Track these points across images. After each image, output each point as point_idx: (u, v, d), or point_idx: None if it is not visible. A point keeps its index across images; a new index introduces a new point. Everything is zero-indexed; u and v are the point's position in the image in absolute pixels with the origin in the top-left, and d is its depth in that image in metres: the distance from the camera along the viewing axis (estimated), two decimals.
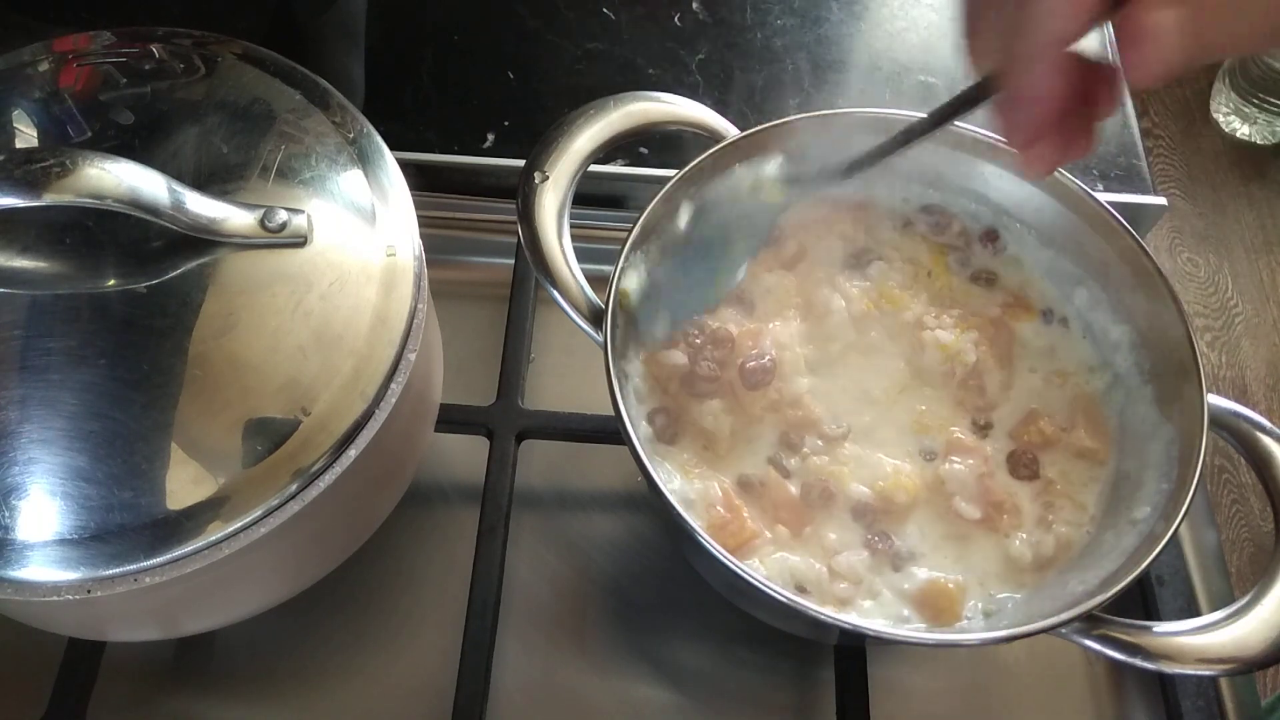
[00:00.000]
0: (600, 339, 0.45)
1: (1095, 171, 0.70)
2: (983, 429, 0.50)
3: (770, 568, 0.45)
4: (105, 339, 0.39)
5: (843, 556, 0.45)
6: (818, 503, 0.47)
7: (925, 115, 0.42)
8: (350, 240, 0.43)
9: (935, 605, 0.45)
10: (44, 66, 0.45)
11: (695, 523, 0.42)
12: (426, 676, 0.52)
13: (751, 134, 0.51)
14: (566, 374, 0.61)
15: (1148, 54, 0.30)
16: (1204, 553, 0.56)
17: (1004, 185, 0.52)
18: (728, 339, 0.50)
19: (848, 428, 0.49)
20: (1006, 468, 0.49)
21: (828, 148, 0.51)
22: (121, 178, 0.39)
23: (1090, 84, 0.33)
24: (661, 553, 0.56)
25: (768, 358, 0.49)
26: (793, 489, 0.47)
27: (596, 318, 0.46)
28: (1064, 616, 0.40)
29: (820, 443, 0.48)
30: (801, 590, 0.45)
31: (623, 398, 0.44)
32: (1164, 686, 0.53)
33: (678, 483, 0.47)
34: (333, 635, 0.53)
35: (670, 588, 0.55)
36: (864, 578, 0.45)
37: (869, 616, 0.44)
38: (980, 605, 0.45)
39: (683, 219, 0.51)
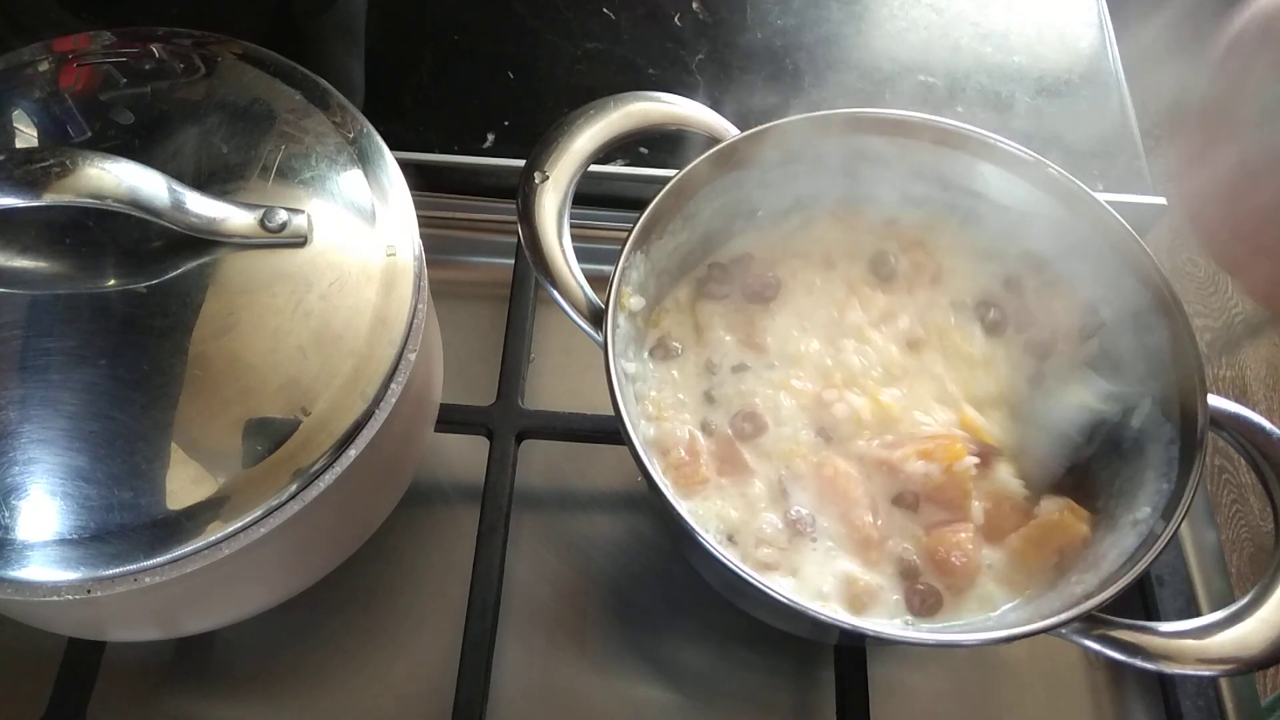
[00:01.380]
0: (600, 339, 0.45)
1: (1095, 171, 0.70)
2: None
3: (705, 512, 0.47)
4: (105, 339, 0.39)
5: (766, 522, 0.47)
6: (749, 434, 0.49)
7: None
8: (350, 240, 0.43)
9: (856, 597, 0.46)
10: (44, 66, 0.46)
11: (659, 471, 0.43)
12: (426, 676, 0.52)
13: (751, 134, 0.51)
14: (566, 374, 0.61)
15: None
16: (1204, 553, 0.57)
17: (1004, 185, 0.52)
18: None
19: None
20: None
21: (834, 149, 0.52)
22: (121, 178, 0.39)
23: None
24: (661, 553, 0.56)
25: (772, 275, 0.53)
26: (728, 430, 0.49)
27: (596, 318, 0.46)
28: (1064, 616, 0.40)
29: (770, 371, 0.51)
30: (730, 540, 0.47)
31: (623, 398, 0.44)
32: (1164, 686, 0.53)
33: (652, 431, 0.49)
34: (333, 635, 0.53)
35: (670, 588, 0.55)
36: (785, 548, 0.46)
37: (794, 587, 0.46)
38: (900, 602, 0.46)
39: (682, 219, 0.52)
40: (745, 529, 0.47)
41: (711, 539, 0.41)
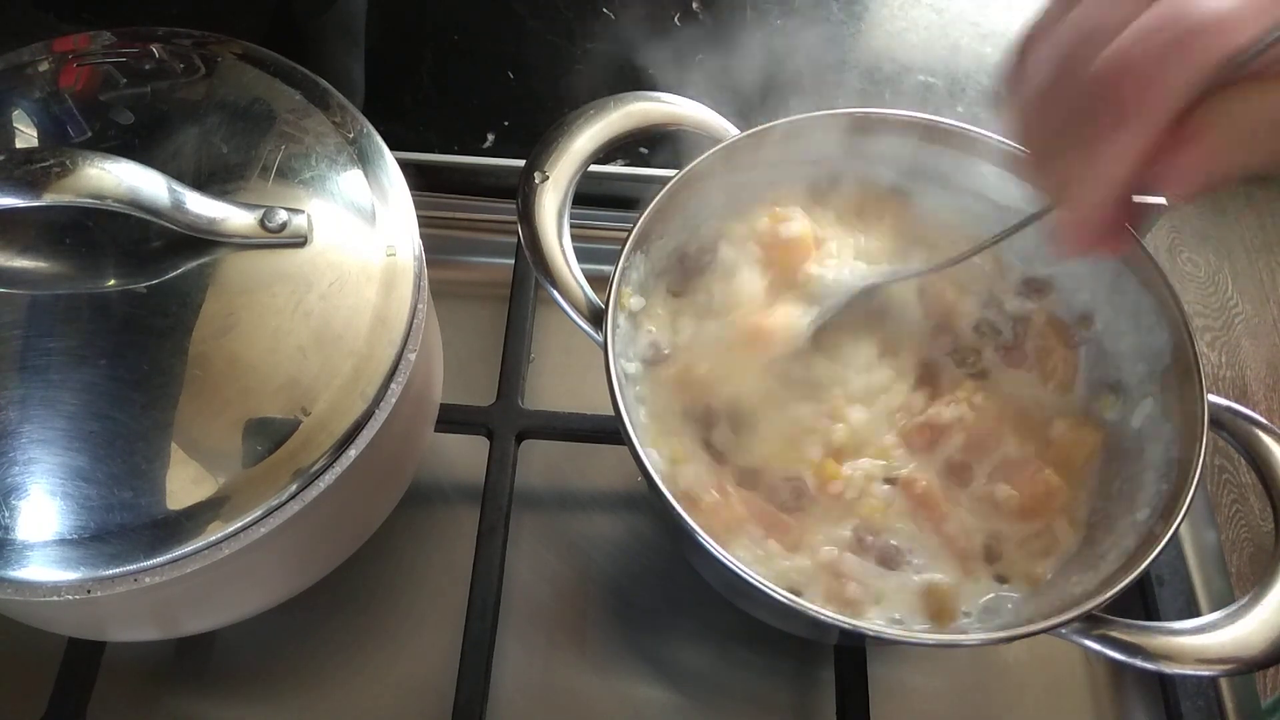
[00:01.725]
0: (600, 339, 0.45)
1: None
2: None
3: (764, 570, 0.45)
4: (105, 339, 0.39)
5: (842, 560, 0.45)
6: (792, 506, 0.46)
7: (994, 234, 0.45)
8: (350, 240, 0.43)
9: (935, 606, 0.45)
10: (44, 66, 0.46)
11: (689, 515, 0.41)
12: (426, 676, 0.52)
13: (751, 134, 0.51)
14: (566, 374, 0.61)
15: (1186, 164, 0.32)
16: (1204, 553, 0.56)
17: (1004, 185, 0.52)
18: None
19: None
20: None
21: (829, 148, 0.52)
22: (121, 178, 0.39)
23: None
24: (661, 553, 0.56)
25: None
26: (762, 499, 0.46)
27: (596, 318, 0.46)
28: (1064, 617, 0.40)
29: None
30: (796, 593, 0.44)
31: (623, 398, 0.44)
32: (1164, 686, 0.53)
33: (678, 480, 0.47)
34: (333, 635, 0.53)
35: (670, 588, 0.55)
36: (865, 581, 0.45)
37: (873, 619, 0.44)
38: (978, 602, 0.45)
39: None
40: (816, 582, 0.45)
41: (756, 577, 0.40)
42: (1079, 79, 0.33)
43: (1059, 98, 0.35)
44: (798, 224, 0.51)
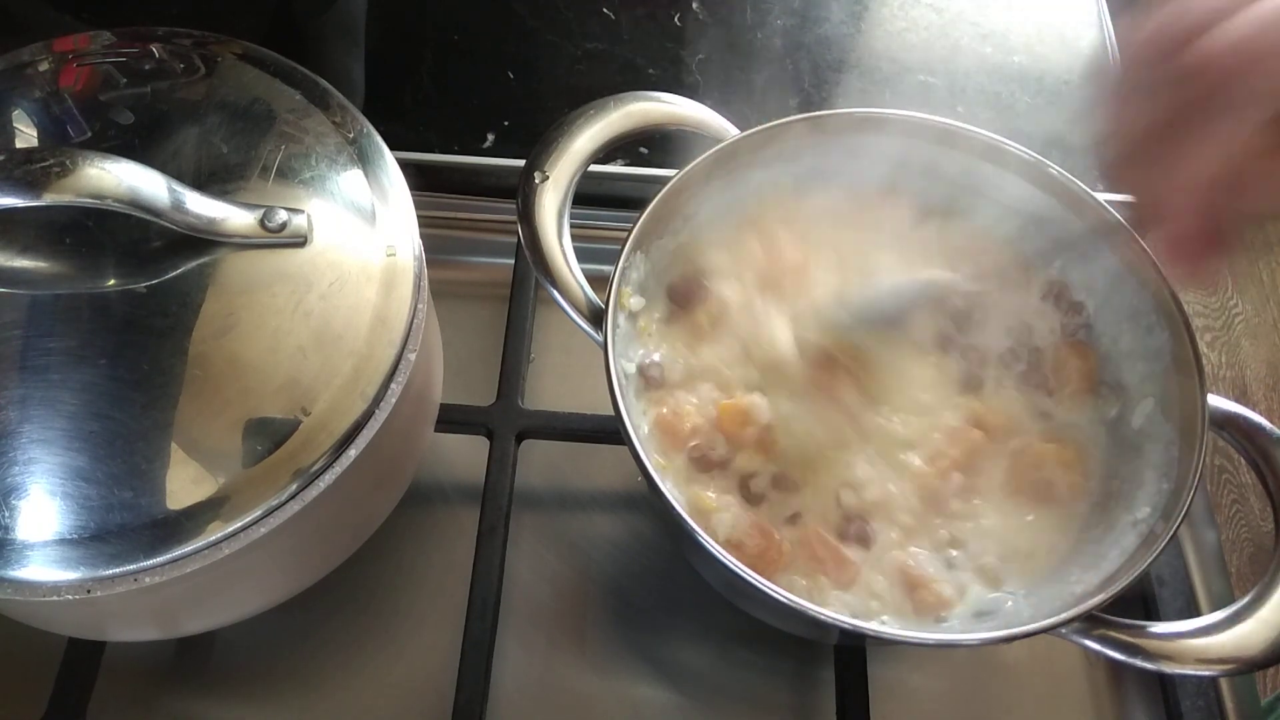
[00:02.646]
0: (600, 339, 0.45)
1: (1095, 171, 0.70)
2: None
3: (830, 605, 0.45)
4: (105, 339, 0.39)
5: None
6: (854, 542, 0.46)
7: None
8: (350, 240, 0.43)
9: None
10: (44, 66, 0.46)
11: (699, 527, 0.41)
12: (426, 676, 0.52)
13: (751, 134, 0.51)
14: (566, 374, 0.61)
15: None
16: (1204, 553, 0.56)
17: (1003, 185, 0.52)
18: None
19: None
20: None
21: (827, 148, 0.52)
22: (121, 178, 0.39)
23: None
24: (661, 553, 0.56)
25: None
26: (826, 534, 0.46)
27: (596, 318, 0.46)
28: (1064, 616, 0.40)
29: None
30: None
31: (623, 398, 0.44)
32: (1164, 686, 0.53)
33: (718, 527, 0.46)
34: (333, 635, 0.53)
35: (670, 588, 0.55)
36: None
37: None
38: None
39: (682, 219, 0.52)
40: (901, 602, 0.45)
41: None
42: (1178, 66, 0.30)
43: (1154, 88, 0.32)
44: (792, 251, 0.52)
